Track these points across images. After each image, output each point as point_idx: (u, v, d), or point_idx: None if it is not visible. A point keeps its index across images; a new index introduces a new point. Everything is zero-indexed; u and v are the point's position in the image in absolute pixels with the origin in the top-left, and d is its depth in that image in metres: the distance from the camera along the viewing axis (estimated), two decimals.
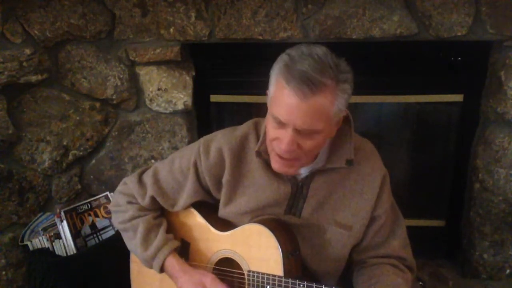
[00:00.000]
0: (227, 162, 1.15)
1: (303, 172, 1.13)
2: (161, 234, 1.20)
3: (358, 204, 1.13)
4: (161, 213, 1.28)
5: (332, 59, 0.97)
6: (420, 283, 1.77)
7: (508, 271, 1.86)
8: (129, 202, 1.25)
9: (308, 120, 0.96)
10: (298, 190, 1.15)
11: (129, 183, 1.27)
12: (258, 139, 1.15)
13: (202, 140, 1.22)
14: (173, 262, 1.18)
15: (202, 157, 1.17)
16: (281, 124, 0.99)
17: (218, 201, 1.21)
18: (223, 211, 1.20)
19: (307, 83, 0.93)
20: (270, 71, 1.03)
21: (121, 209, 1.26)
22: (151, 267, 1.21)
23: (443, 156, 1.95)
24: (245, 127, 1.20)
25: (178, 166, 1.21)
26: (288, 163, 1.04)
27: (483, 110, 1.78)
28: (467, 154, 1.86)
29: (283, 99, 0.96)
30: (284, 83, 0.96)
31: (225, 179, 1.17)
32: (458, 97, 1.80)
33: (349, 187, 1.13)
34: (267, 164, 1.12)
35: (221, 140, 1.17)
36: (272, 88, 1.01)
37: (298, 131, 0.98)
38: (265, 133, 1.10)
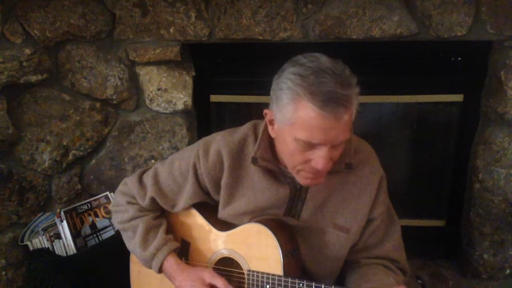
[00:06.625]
0: (226, 164, 1.15)
1: None
2: (160, 235, 1.20)
3: (356, 206, 1.13)
4: (161, 214, 1.28)
5: (343, 66, 0.96)
6: (419, 281, 1.77)
7: (508, 271, 1.86)
8: (129, 203, 1.25)
9: (342, 134, 0.96)
10: (296, 193, 1.14)
11: (129, 183, 1.26)
12: (256, 141, 1.14)
13: (201, 142, 1.21)
14: (172, 263, 1.18)
15: (201, 159, 1.17)
16: (311, 146, 0.97)
17: (218, 202, 1.21)
18: (222, 213, 1.20)
19: (341, 104, 0.91)
20: (272, 91, 1.00)
21: (121, 209, 1.26)
22: (150, 267, 1.20)
23: (443, 156, 1.94)
24: (244, 129, 1.19)
25: (178, 168, 1.21)
26: (321, 176, 1.04)
27: (483, 110, 1.78)
28: (467, 154, 1.86)
29: (314, 122, 0.92)
30: (313, 108, 0.91)
31: (223, 181, 1.17)
32: (458, 97, 1.80)
33: (348, 190, 1.13)
34: (265, 167, 1.12)
35: (220, 142, 1.17)
36: (288, 111, 0.95)
37: (333, 147, 0.98)
38: (261, 139, 1.11)
